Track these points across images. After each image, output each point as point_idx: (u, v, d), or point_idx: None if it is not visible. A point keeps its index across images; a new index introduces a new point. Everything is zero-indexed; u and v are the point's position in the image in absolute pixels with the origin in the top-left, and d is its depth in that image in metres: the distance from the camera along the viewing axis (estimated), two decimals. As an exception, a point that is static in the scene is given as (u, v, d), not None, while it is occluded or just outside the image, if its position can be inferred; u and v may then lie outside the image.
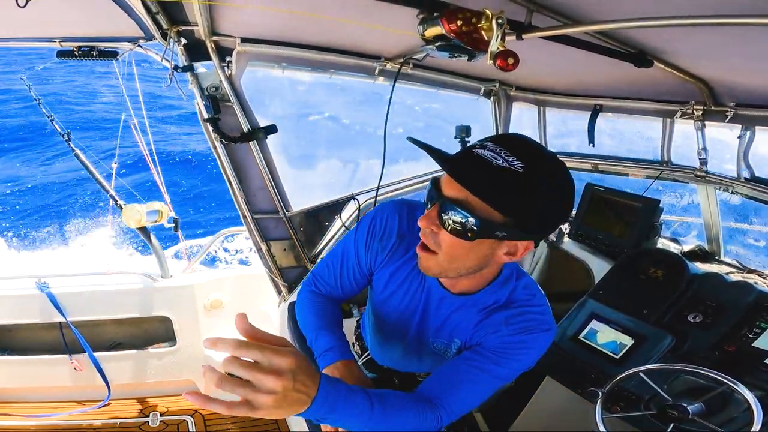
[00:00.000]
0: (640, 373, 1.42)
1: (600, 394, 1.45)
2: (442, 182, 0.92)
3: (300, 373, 0.76)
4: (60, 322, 2.64)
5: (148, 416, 2.67)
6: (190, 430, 2.64)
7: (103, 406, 2.69)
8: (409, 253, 1.15)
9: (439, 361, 1.24)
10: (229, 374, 0.74)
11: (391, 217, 1.16)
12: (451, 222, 0.89)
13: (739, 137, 1.95)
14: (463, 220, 0.87)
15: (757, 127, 1.90)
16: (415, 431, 1.01)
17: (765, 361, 1.46)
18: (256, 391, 0.73)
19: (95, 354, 2.67)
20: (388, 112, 1.89)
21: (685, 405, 1.32)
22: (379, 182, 2.19)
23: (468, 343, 1.15)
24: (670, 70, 1.60)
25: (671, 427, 1.32)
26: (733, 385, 1.26)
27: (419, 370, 1.42)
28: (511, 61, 1.10)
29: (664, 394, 1.37)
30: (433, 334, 1.21)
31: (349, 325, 1.63)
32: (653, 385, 1.39)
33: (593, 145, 2.56)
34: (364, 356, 1.55)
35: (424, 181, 2.70)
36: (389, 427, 0.96)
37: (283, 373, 0.74)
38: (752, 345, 1.51)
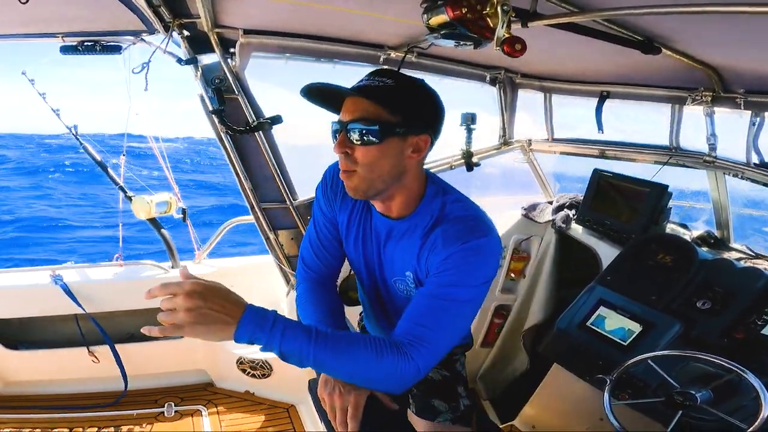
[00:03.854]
0: (649, 360, 1.42)
1: (608, 381, 1.46)
2: (340, 116, 1.11)
3: (212, 296, 0.95)
4: (76, 315, 2.68)
5: (163, 407, 2.72)
6: (204, 419, 2.69)
7: (121, 397, 2.75)
8: None
9: None
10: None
11: (337, 168, 1.27)
12: (357, 135, 1.07)
13: (750, 123, 1.92)
14: (367, 128, 1.06)
15: (766, 113, 1.88)
16: (378, 369, 1.05)
17: (774, 348, 1.45)
18: (175, 312, 0.93)
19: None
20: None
21: (694, 392, 1.31)
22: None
23: (418, 273, 1.21)
24: (678, 57, 1.57)
25: (679, 414, 1.32)
26: (741, 372, 1.26)
27: None
28: (518, 47, 1.10)
29: (672, 381, 1.37)
30: (390, 274, 1.29)
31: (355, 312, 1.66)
32: (661, 372, 1.39)
33: (602, 132, 2.54)
34: None
35: (437, 166, 2.68)
36: (342, 362, 1.03)
37: (192, 293, 0.93)
38: (761, 332, 1.51)
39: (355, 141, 1.08)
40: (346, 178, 1.13)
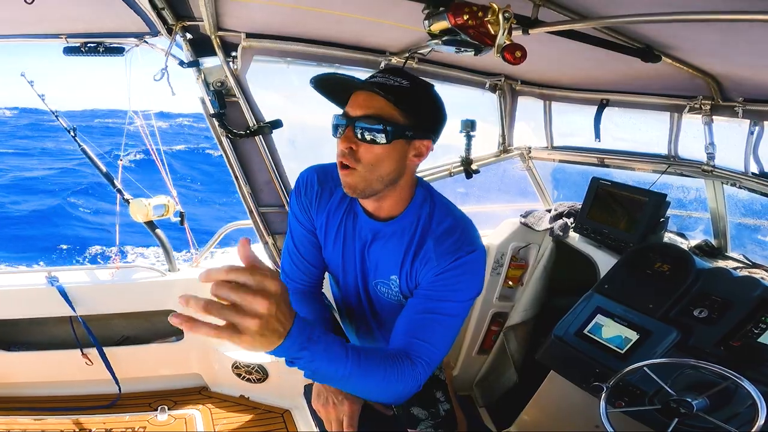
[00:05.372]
0: (645, 368, 1.42)
1: (604, 388, 1.45)
2: (347, 109, 1.08)
3: (282, 302, 0.78)
4: (70, 317, 2.66)
5: (156, 410, 2.70)
6: (198, 423, 2.67)
7: (113, 400, 2.72)
8: (333, 195, 1.26)
9: (394, 312, 1.25)
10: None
11: (309, 174, 1.31)
12: (367, 133, 1.04)
13: (749, 132, 1.93)
14: (378, 127, 1.03)
15: (765, 122, 1.89)
16: (394, 385, 1.05)
17: (770, 357, 1.45)
18: (242, 314, 0.73)
19: (104, 348, 2.69)
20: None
21: (690, 400, 1.31)
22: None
23: (406, 280, 1.21)
24: (677, 65, 1.59)
25: (675, 421, 1.32)
26: (737, 380, 1.26)
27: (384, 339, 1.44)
28: (518, 54, 1.11)
29: (668, 389, 1.37)
30: (372, 276, 1.28)
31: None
32: (657, 379, 1.39)
33: (599, 140, 2.55)
34: None
35: (436, 173, 2.68)
36: (367, 379, 1.00)
37: (271, 296, 0.74)
38: (757, 341, 1.51)
39: (363, 138, 1.04)
40: (345, 175, 1.09)
